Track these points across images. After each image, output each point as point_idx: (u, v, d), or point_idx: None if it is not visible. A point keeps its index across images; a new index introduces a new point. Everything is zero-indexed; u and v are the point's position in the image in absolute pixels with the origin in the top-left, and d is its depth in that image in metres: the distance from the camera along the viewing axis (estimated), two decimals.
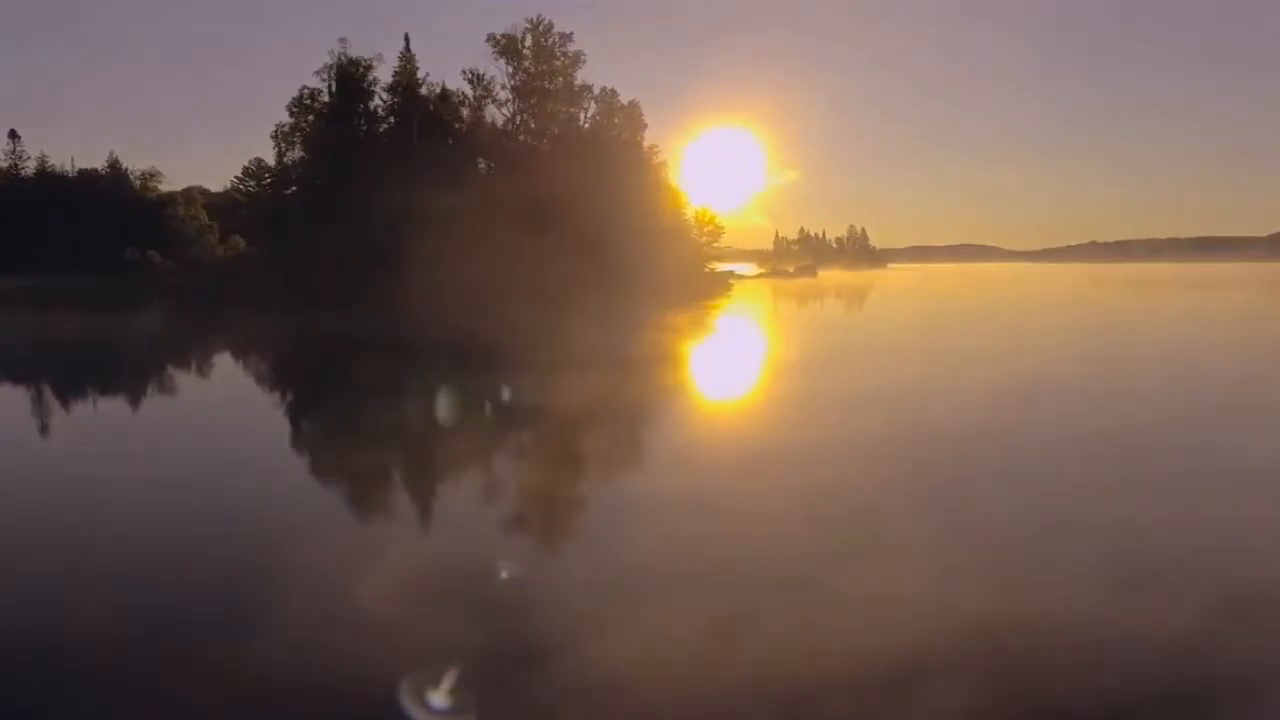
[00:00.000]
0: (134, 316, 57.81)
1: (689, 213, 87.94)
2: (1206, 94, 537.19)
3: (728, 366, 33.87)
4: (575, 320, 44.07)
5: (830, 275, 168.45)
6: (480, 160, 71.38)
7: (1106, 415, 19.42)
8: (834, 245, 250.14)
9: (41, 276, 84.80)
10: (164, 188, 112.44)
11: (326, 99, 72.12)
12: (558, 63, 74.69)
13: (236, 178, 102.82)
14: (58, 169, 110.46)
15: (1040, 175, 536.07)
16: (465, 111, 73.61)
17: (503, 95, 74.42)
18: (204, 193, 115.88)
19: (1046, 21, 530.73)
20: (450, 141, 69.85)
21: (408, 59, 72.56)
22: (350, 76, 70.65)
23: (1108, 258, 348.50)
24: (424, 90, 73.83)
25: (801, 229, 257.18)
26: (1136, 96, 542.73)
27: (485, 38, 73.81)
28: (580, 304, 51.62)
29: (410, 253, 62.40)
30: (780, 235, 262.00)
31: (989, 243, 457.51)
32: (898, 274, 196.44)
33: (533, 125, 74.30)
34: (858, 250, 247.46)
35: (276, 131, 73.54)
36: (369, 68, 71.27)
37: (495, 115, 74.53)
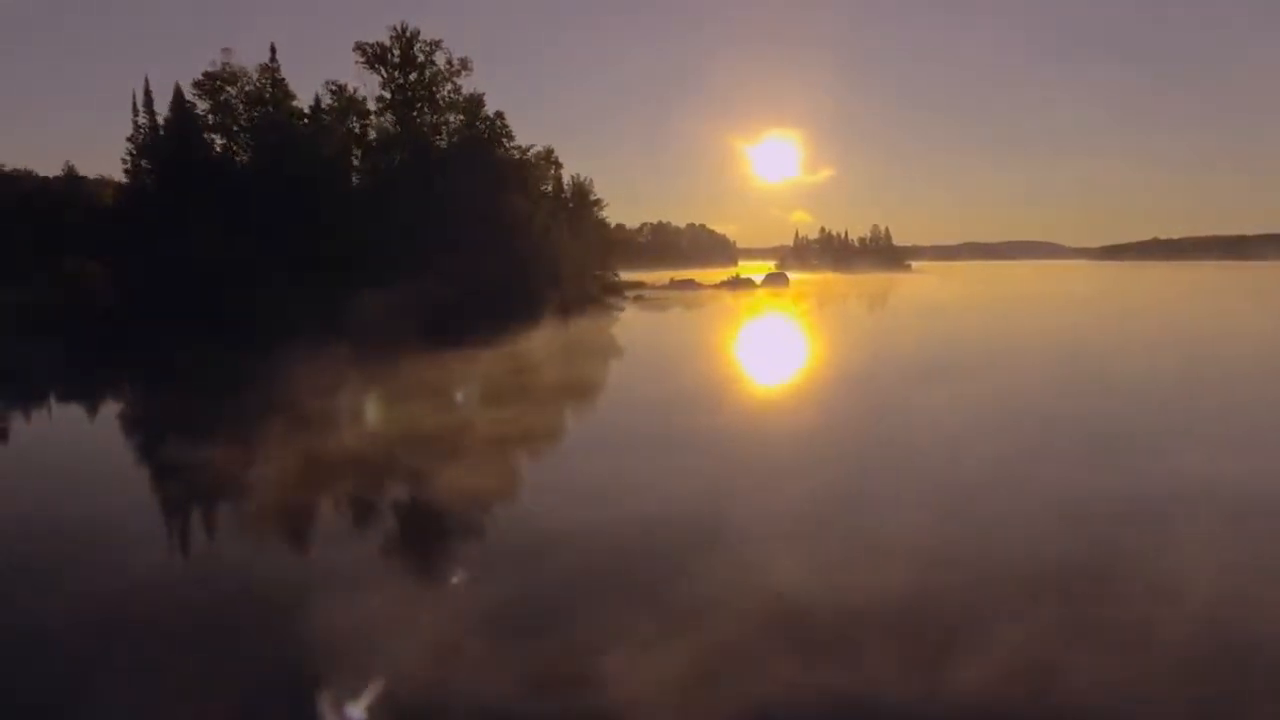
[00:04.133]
0: None
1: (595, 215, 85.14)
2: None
3: None
4: None
5: (815, 282, 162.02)
6: (341, 177, 69.68)
7: None
8: (856, 244, 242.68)
9: None
10: None
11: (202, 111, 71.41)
12: (431, 72, 72.50)
13: None
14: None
15: (1102, 168, 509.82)
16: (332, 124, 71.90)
17: (375, 106, 72.65)
18: None
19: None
20: (310, 158, 68.12)
21: (272, 70, 71.20)
22: (212, 90, 69.72)
23: (1170, 255, 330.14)
24: (299, 103, 72.71)
25: (822, 228, 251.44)
26: (1200, 87, 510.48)
27: (353, 46, 72.14)
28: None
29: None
30: (800, 235, 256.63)
31: (1048, 239, 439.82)
32: (908, 280, 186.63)
33: (406, 137, 72.13)
34: (880, 250, 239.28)
35: None
36: (229, 80, 70.08)
37: (365, 128, 72.79)
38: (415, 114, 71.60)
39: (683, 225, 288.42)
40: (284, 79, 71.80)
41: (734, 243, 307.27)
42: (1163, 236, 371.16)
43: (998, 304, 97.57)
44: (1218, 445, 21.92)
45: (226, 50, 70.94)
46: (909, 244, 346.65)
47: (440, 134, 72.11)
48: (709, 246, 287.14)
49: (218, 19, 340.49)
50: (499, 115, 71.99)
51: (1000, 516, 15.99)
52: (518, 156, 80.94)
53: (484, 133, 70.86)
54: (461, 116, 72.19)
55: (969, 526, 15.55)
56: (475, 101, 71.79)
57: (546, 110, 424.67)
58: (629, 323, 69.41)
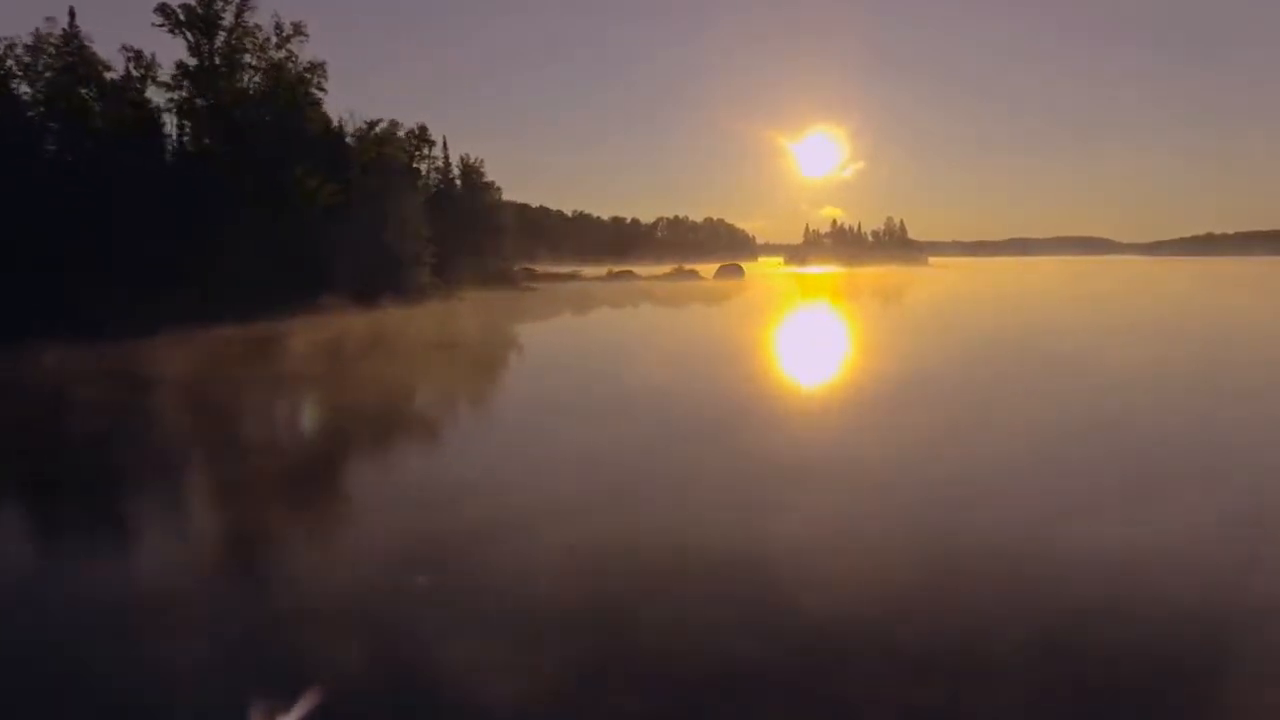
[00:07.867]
0: None
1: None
2: None
3: None
4: None
5: (802, 276, 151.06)
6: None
7: None
8: (870, 238, 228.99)
9: None
10: None
11: None
12: (238, 35, 64.83)
13: None
14: None
15: (1153, 162, 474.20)
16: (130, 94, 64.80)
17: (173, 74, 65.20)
18: None
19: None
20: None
21: (71, 36, 64.38)
22: None
23: (1224, 250, 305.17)
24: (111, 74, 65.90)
25: (834, 221, 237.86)
26: (1254, 79, 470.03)
27: (155, 7, 64.78)
28: None
29: None
30: (811, 229, 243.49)
31: (1098, 234, 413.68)
32: (910, 274, 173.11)
33: (208, 108, 64.51)
34: (895, 243, 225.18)
35: None
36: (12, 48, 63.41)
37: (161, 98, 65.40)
38: (215, 81, 64.00)
39: (700, 220, 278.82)
40: (85, 46, 65.15)
41: (753, 238, 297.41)
42: (1216, 231, 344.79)
43: (968, 300, 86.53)
44: None
45: (50, 20, 64.59)
46: (948, 239, 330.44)
47: (243, 104, 64.27)
48: (727, 241, 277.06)
49: None
50: (303, 82, 63.82)
51: None
52: (365, 130, 73.30)
53: (284, 100, 62.74)
54: (266, 84, 64.32)
55: None
56: (280, 68, 63.76)
57: (577, 109, 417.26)
58: (417, 317, 59.68)
